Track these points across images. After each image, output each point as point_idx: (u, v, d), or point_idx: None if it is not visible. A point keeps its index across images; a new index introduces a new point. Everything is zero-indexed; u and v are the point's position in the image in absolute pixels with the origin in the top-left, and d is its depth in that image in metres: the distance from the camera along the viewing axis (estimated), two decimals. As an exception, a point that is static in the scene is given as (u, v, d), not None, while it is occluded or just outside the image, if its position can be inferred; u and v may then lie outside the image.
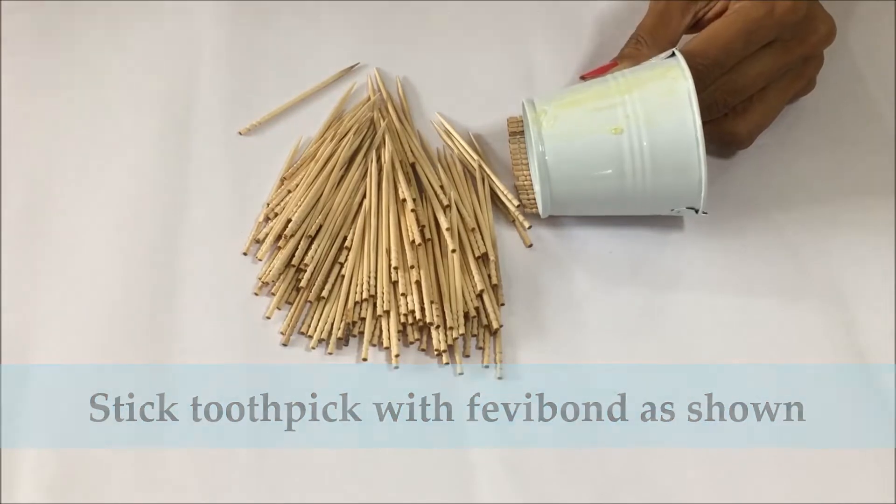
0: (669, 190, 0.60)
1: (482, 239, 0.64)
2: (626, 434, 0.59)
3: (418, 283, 0.61)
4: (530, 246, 0.65)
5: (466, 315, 0.61)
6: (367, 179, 0.65)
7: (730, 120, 0.65)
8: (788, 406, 0.60)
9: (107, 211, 0.66)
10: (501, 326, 0.61)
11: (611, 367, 0.61)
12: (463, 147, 0.68)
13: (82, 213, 0.66)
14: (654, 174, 0.59)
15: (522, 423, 0.59)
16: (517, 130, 0.63)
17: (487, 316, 0.62)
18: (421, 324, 0.61)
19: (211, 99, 0.70)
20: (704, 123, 0.60)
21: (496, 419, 0.59)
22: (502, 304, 0.63)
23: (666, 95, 0.59)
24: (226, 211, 0.66)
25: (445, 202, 0.65)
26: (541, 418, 0.59)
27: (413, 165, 0.67)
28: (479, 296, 0.62)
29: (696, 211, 0.61)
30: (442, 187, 0.66)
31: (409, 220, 0.63)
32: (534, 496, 0.57)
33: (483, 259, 0.63)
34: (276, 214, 0.65)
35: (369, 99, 0.70)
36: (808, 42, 0.64)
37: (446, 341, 0.60)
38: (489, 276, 0.63)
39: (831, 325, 0.62)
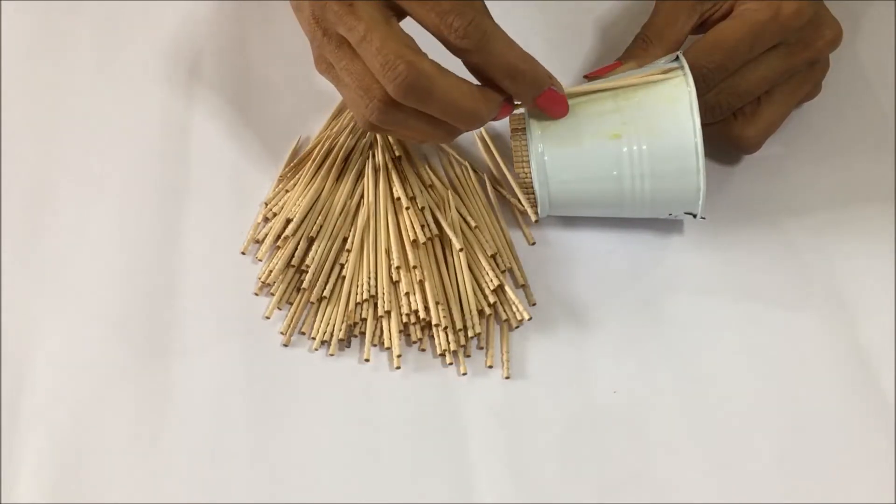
0: (667, 195, 0.62)
1: (492, 238, 0.66)
2: (627, 434, 0.61)
3: (421, 282, 0.63)
4: (533, 244, 0.67)
5: (480, 313, 0.64)
6: (364, 179, 0.67)
7: (739, 124, 0.66)
8: (788, 407, 0.61)
9: (106, 211, 0.68)
10: (531, 318, 0.64)
11: (611, 368, 0.63)
12: (451, 155, 0.70)
13: (82, 213, 0.68)
14: (652, 180, 0.61)
15: (523, 423, 0.61)
16: (520, 127, 0.64)
17: (507, 311, 0.64)
18: (423, 323, 0.63)
19: (211, 99, 0.72)
20: (707, 126, 0.62)
21: (498, 419, 0.61)
22: (533, 304, 0.65)
23: (667, 102, 0.60)
24: (226, 211, 0.68)
25: (436, 200, 0.66)
26: (542, 418, 0.61)
27: (400, 160, 0.68)
28: (495, 292, 0.64)
29: (695, 216, 0.63)
30: (432, 186, 0.68)
31: (405, 218, 0.65)
32: (534, 496, 0.59)
33: (495, 258, 0.65)
34: (275, 214, 0.67)
35: None
36: (813, 46, 0.64)
37: (457, 342, 0.62)
38: (516, 276, 0.65)
39: (832, 329, 0.64)
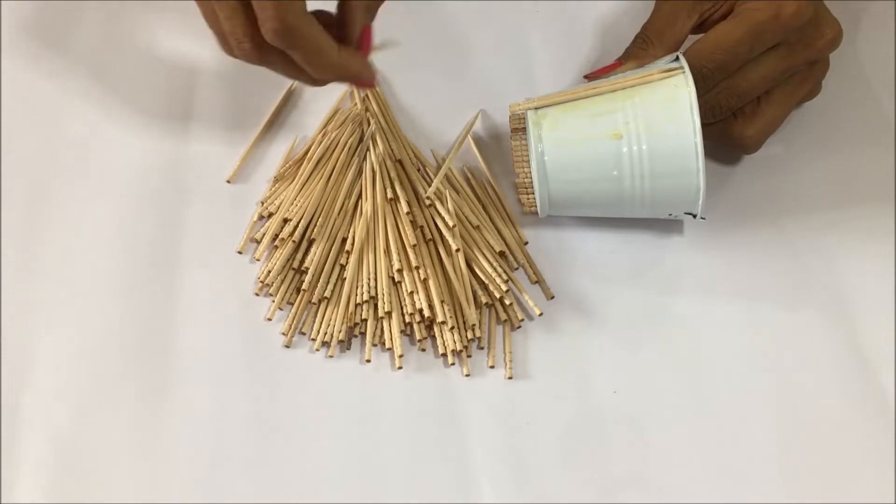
0: (667, 195, 0.62)
1: (500, 236, 0.67)
2: (627, 434, 0.61)
3: (426, 280, 0.64)
4: (526, 243, 0.68)
5: (482, 312, 0.64)
6: (363, 180, 0.68)
7: (738, 124, 0.66)
8: (788, 407, 0.62)
9: (106, 211, 0.68)
10: (541, 314, 0.65)
11: (611, 368, 0.64)
12: (451, 154, 0.70)
13: (81, 213, 0.68)
14: (652, 180, 0.61)
15: (524, 423, 0.62)
16: (519, 127, 0.65)
17: (508, 311, 0.64)
18: (428, 322, 0.64)
19: (208, 99, 0.72)
20: (707, 126, 0.62)
21: (499, 419, 0.62)
22: (552, 298, 0.66)
23: (667, 102, 0.61)
24: (225, 211, 0.68)
25: (427, 203, 0.67)
26: (542, 418, 0.62)
27: (401, 162, 0.69)
28: (497, 293, 0.64)
29: (695, 216, 0.63)
30: (431, 185, 0.68)
31: (405, 221, 0.66)
32: (535, 496, 0.60)
33: (504, 255, 0.66)
34: (271, 214, 0.67)
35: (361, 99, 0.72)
36: (813, 46, 0.65)
37: (461, 341, 0.63)
38: (528, 273, 0.66)
39: (832, 328, 0.64)
